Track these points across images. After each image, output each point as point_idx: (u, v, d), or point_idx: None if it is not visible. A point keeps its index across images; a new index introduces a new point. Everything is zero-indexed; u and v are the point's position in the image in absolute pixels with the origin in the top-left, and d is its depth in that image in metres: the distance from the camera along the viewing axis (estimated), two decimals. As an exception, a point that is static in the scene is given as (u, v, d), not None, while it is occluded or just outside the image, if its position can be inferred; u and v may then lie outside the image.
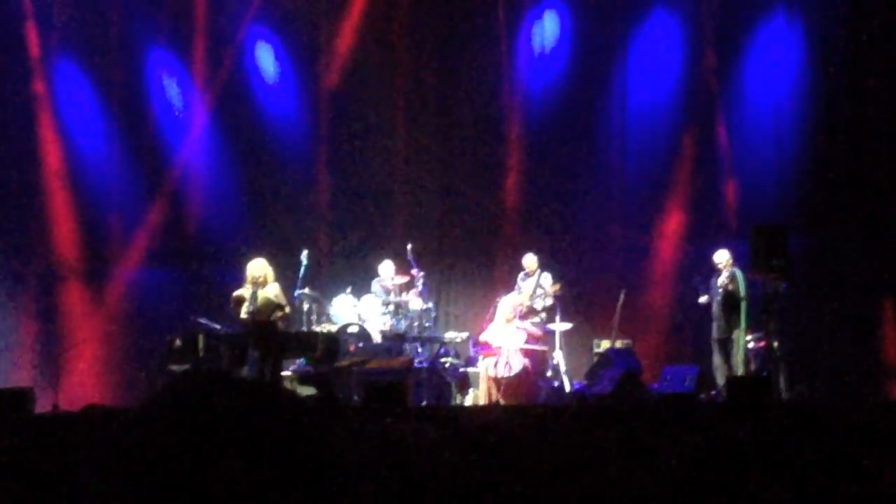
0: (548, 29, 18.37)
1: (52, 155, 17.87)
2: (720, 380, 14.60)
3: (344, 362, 15.15)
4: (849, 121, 15.98)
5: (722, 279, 14.97)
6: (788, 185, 16.45)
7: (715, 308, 15.09)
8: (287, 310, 13.99)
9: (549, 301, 15.87)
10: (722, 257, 15.18)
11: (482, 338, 15.43)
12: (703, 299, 15.26)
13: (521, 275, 16.35)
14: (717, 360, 14.98)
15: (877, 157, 15.50)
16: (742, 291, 14.71)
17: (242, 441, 1.85)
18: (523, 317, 15.59)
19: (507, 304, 15.53)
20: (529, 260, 16.27)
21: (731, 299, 14.86)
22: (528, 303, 15.80)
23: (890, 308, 15.12)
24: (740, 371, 14.43)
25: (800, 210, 16.08)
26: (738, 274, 14.82)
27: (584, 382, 15.31)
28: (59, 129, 17.93)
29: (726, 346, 14.92)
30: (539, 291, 15.91)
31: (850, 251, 15.60)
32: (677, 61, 17.56)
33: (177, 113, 18.40)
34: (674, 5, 17.64)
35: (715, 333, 15.10)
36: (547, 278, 16.11)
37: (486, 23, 18.51)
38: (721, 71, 17.35)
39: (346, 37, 18.66)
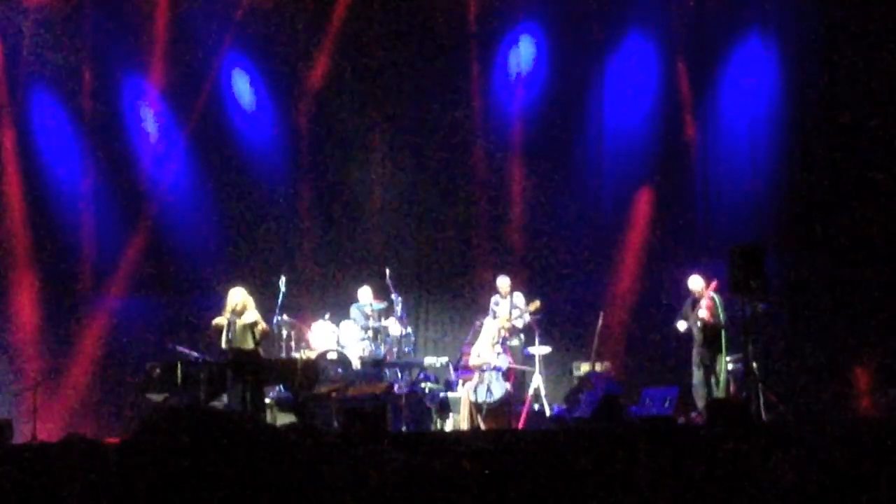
0: (523, 54, 18.42)
1: (13, 185, 17.81)
2: (699, 401, 14.59)
3: (323, 389, 15.12)
4: (824, 140, 16.05)
5: (704, 314, 14.86)
6: (764, 205, 16.51)
7: (696, 332, 15.02)
8: (262, 325, 13.90)
9: (528, 318, 15.86)
10: (696, 284, 15.10)
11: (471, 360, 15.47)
12: (681, 325, 15.19)
13: (494, 298, 16.33)
14: (696, 379, 14.91)
15: (852, 177, 15.58)
16: (721, 315, 14.65)
17: (220, 474, 1.86)
18: (505, 340, 15.58)
19: (491, 327, 15.52)
20: (502, 282, 16.26)
21: (712, 329, 14.80)
22: (508, 325, 15.79)
23: (865, 327, 15.15)
24: (720, 394, 14.40)
25: (776, 230, 16.14)
26: (717, 300, 14.76)
27: (564, 406, 15.30)
28: (28, 157, 17.88)
29: (707, 370, 14.87)
30: (516, 312, 15.92)
31: (827, 271, 15.65)
32: (652, 84, 17.62)
33: (152, 139, 18.36)
34: (649, 28, 17.69)
35: (696, 358, 15.05)
36: (520, 298, 16.13)
37: (462, 48, 18.55)
38: (696, 93, 17.42)
39: (321, 65, 18.68)
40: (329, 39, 18.65)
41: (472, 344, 15.70)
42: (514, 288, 16.27)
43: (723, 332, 14.57)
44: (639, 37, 17.75)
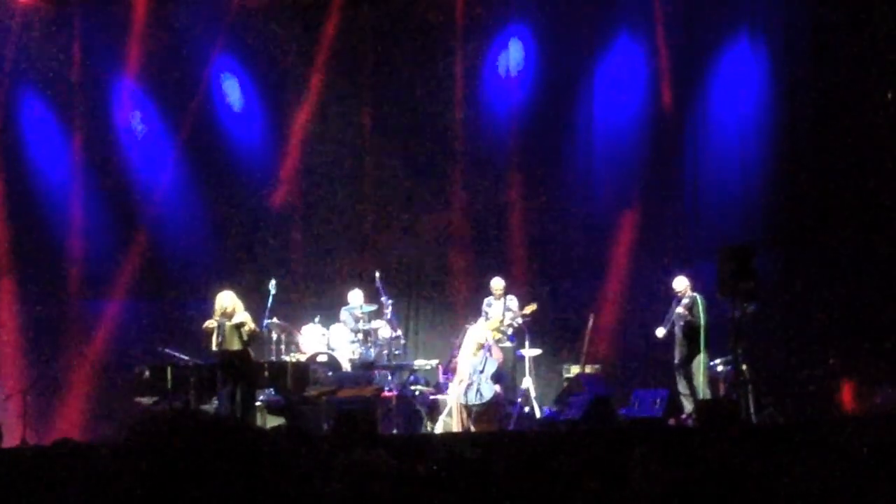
0: (513, 57, 18.42)
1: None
2: (686, 404, 14.62)
3: (313, 391, 15.12)
4: (813, 140, 16.08)
5: (681, 310, 14.98)
6: (754, 206, 16.52)
7: (677, 333, 15.10)
8: (250, 326, 13.87)
9: (520, 321, 15.87)
10: (681, 284, 15.17)
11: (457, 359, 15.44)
12: (659, 332, 15.28)
13: (487, 300, 16.30)
14: (680, 385, 14.99)
15: (842, 176, 15.61)
16: (701, 318, 14.70)
17: (210, 478, 1.85)
18: (497, 343, 15.55)
19: (478, 331, 15.51)
20: (496, 283, 16.23)
21: (690, 326, 14.89)
22: (502, 328, 15.77)
23: (855, 327, 15.17)
24: (703, 395, 14.45)
25: (766, 231, 16.16)
26: (699, 300, 14.82)
27: (554, 408, 15.30)
28: (15, 160, 17.84)
29: (688, 371, 14.93)
30: (509, 315, 15.91)
31: (814, 272, 15.68)
32: (642, 85, 17.64)
33: (142, 143, 18.32)
34: (638, 31, 17.71)
35: (677, 359, 15.11)
36: (513, 301, 16.12)
37: (453, 51, 18.56)
38: (685, 95, 17.42)
39: (311, 68, 18.66)
40: (319, 43, 18.63)
41: (462, 346, 15.69)
42: (506, 290, 16.25)
43: (701, 333, 14.63)
44: (628, 38, 17.77)
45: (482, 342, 15.34)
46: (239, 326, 13.70)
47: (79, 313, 17.97)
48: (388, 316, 16.46)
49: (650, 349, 16.27)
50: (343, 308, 16.82)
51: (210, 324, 13.77)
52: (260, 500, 1.91)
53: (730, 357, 14.17)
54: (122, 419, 15.88)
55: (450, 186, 18.66)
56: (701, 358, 14.66)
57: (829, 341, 15.22)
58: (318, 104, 18.69)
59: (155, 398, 14.49)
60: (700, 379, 14.63)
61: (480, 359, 15.14)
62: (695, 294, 14.93)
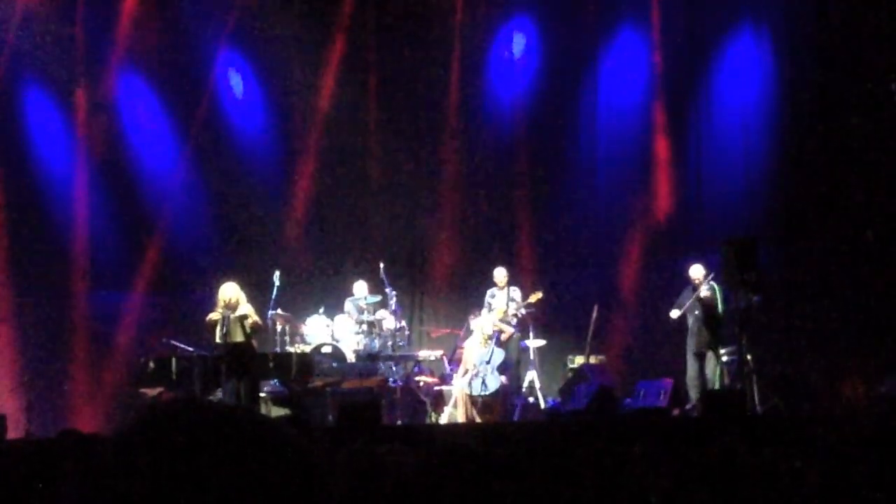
0: (517, 47, 18.44)
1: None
2: (693, 394, 14.57)
3: (318, 382, 15.13)
4: (817, 133, 16.06)
5: (703, 293, 14.86)
6: (758, 197, 16.51)
7: (692, 322, 15.00)
8: (254, 318, 13.87)
9: (523, 311, 15.86)
10: (698, 272, 15.05)
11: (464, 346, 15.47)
12: (674, 314, 15.16)
13: (490, 290, 16.28)
14: (691, 373, 14.90)
15: (846, 169, 15.59)
16: (720, 306, 14.64)
17: (216, 468, 1.85)
18: (500, 334, 15.54)
19: (486, 322, 15.50)
20: (500, 274, 16.21)
21: (710, 314, 14.79)
22: (506, 319, 15.76)
23: (858, 319, 15.16)
24: (716, 385, 14.40)
25: (769, 223, 16.14)
26: (717, 288, 14.73)
27: (559, 399, 15.30)
28: (18, 153, 17.79)
29: (703, 360, 14.86)
30: (512, 306, 15.90)
31: (819, 263, 15.66)
32: (645, 78, 17.64)
33: (146, 134, 18.32)
34: (641, 22, 17.71)
35: (693, 348, 15.00)
36: (517, 291, 16.10)
37: (455, 44, 18.57)
38: (689, 86, 17.43)
39: (316, 61, 18.66)
40: (323, 37, 18.64)
41: (466, 339, 15.70)
42: (509, 280, 16.23)
43: (719, 323, 14.58)
44: (631, 29, 17.77)
45: (491, 333, 15.36)
46: (242, 319, 13.70)
47: (84, 306, 17.97)
48: (393, 307, 16.46)
49: (655, 339, 16.28)
50: (347, 299, 16.82)
51: (214, 316, 13.77)
52: (264, 490, 1.90)
53: (734, 348, 14.15)
54: (126, 410, 15.91)
55: (454, 177, 18.67)
56: (717, 347, 14.60)
57: (833, 332, 15.21)
58: (323, 98, 18.69)
59: (160, 389, 14.49)
60: (716, 369, 14.56)
61: (488, 350, 15.16)
62: (713, 283, 14.83)
